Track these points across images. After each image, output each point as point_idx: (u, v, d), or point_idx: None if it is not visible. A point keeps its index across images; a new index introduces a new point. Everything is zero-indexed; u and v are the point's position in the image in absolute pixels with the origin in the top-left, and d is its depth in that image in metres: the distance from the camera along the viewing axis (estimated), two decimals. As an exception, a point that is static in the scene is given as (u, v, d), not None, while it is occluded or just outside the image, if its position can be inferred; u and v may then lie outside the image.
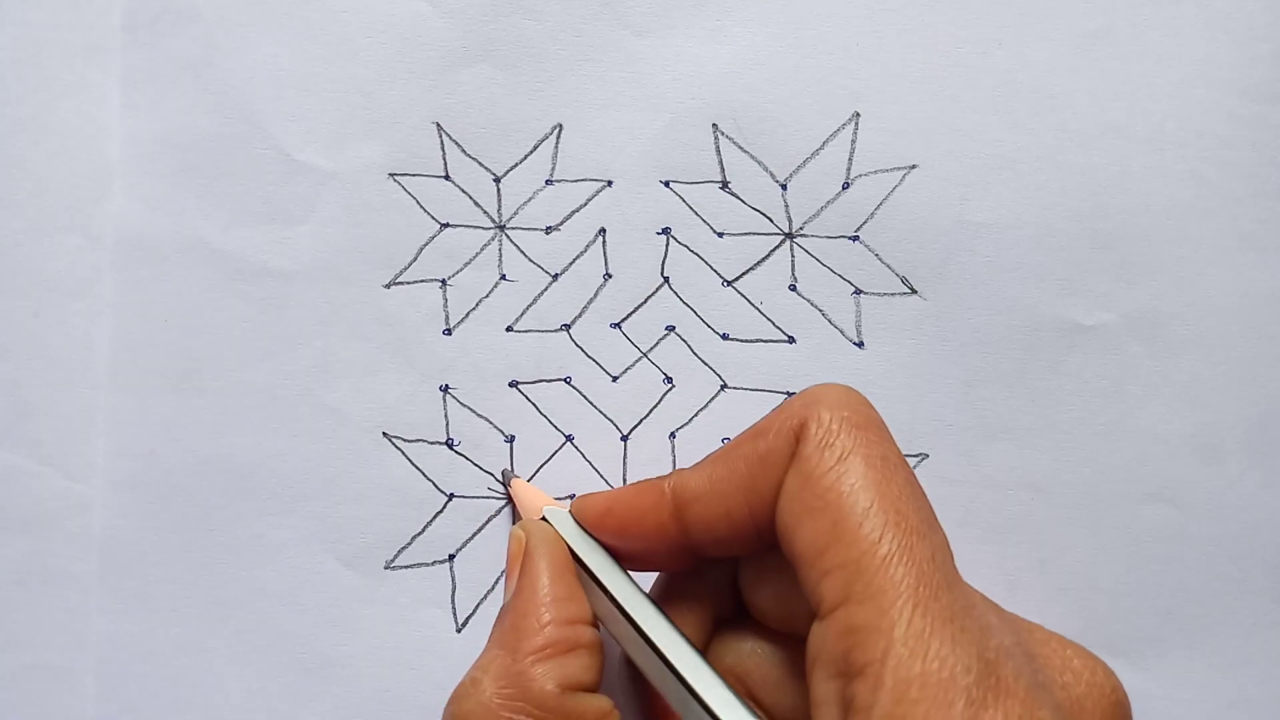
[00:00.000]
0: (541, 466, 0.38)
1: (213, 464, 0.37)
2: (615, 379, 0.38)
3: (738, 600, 0.33)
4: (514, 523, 0.37)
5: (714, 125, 0.37)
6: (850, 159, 0.37)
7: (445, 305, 0.38)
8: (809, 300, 0.38)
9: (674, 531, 0.31)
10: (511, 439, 0.38)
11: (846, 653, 0.25)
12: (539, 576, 0.32)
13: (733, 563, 0.32)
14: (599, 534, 0.33)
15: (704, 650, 0.32)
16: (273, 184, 0.37)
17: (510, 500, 0.37)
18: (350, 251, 0.38)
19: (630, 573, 0.32)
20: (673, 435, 0.38)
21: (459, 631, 0.37)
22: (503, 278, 0.38)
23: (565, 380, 0.38)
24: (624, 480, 0.38)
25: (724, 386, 0.38)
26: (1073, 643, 0.28)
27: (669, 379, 0.38)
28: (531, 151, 0.38)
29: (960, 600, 0.26)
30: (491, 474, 0.38)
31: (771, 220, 0.38)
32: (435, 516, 0.37)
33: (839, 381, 0.37)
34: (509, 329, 0.38)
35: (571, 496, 0.38)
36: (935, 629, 0.25)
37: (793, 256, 0.38)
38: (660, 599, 0.33)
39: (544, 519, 0.34)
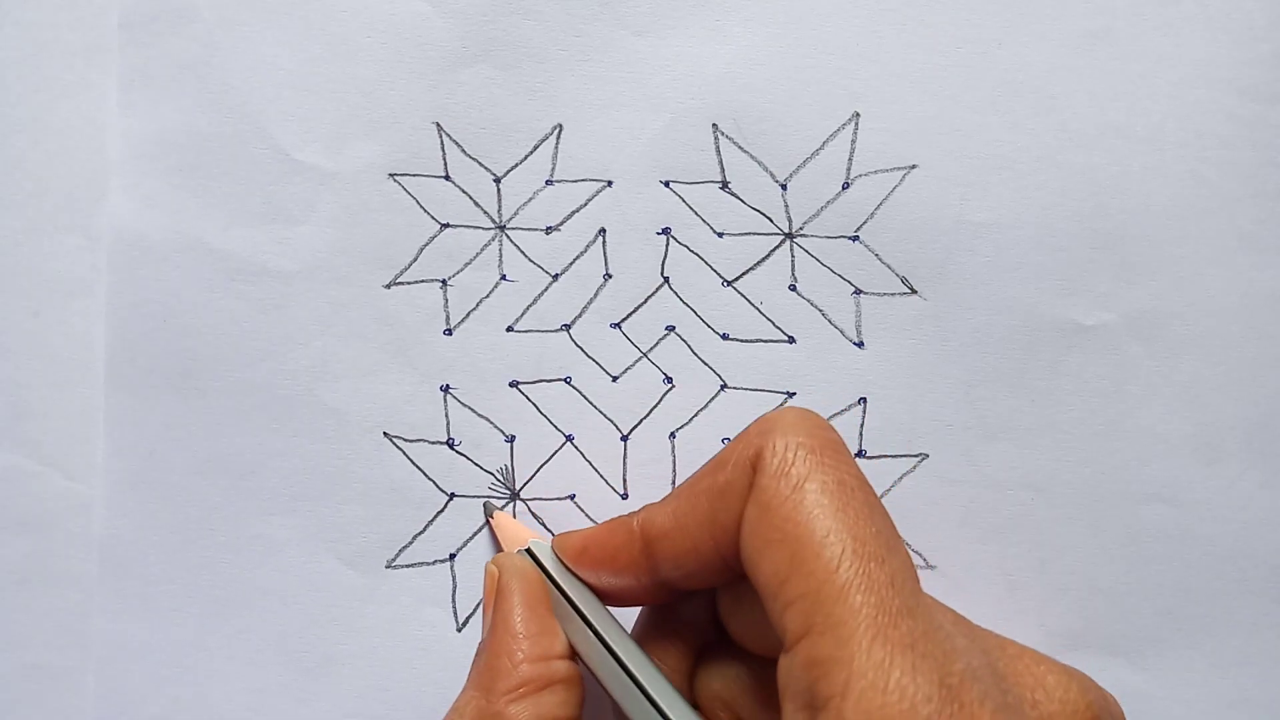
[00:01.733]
0: (541, 466, 0.38)
1: (213, 464, 0.37)
2: (615, 379, 0.38)
3: (720, 627, 0.33)
4: (495, 553, 0.36)
5: (714, 125, 0.37)
6: (850, 159, 0.37)
7: (445, 305, 0.38)
8: (809, 300, 0.38)
9: (645, 568, 0.31)
10: (511, 439, 0.38)
11: (811, 685, 0.25)
12: (511, 612, 0.32)
13: (711, 592, 0.32)
14: (578, 570, 0.33)
15: (691, 677, 0.32)
16: (272, 184, 0.37)
17: (492, 532, 0.37)
18: (350, 251, 0.38)
19: (610, 608, 0.32)
20: (673, 435, 0.38)
21: (459, 631, 0.37)
22: (503, 278, 0.38)
23: (565, 380, 0.38)
24: (624, 481, 0.38)
25: (724, 386, 0.38)
26: (1047, 658, 0.28)
27: (669, 379, 0.38)
28: (531, 151, 0.38)
29: (922, 625, 0.25)
30: (492, 474, 0.38)
31: (771, 220, 0.38)
32: (436, 516, 0.38)
33: (835, 380, 0.37)
34: (509, 329, 0.38)
35: (571, 497, 0.38)
36: (895, 658, 0.24)
37: (793, 256, 0.38)
38: (644, 631, 0.33)
39: (528, 551, 0.34)
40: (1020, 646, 0.28)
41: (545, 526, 0.37)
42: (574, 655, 0.32)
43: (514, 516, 0.37)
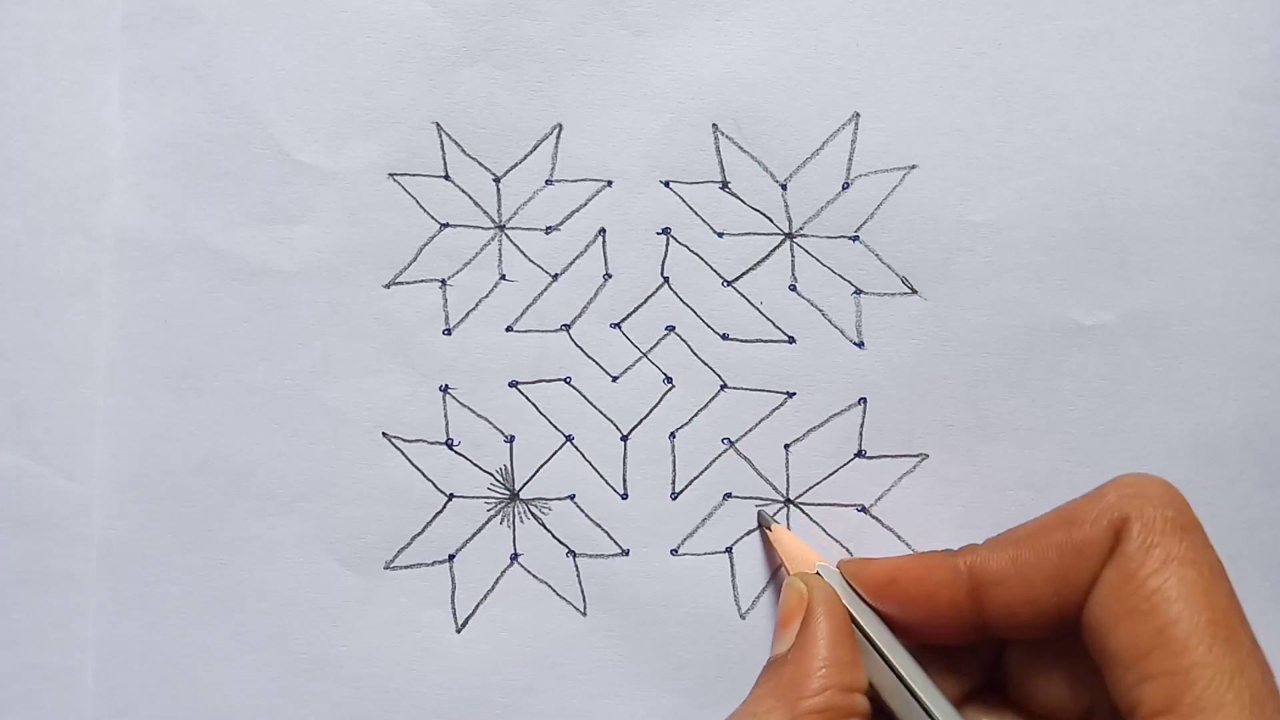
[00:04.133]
0: (541, 466, 0.38)
1: (212, 464, 0.37)
2: (615, 379, 0.38)
3: (991, 675, 0.33)
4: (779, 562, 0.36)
5: (714, 125, 0.37)
6: (850, 159, 0.37)
7: (445, 305, 0.38)
8: (809, 300, 0.37)
9: (967, 610, 0.31)
10: (511, 439, 0.38)
11: None
12: (820, 637, 0.31)
13: (996, 640, 0.32)
14: (877, 600, 0.33)
15: None
16: (272, 184, 0.37)
17: (765, 541, 0.37)
18: (350, 251, 0.38)
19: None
20: (673, 435, 0.38)
21: (459, 632, 0.37)
22: (503, 278, 0.38)
23: (565, 380, 0.38)
24: (624, 481, 0.37)
25: (724, 386, 0.38)
26: None
27: (669, 379, 0.38)
28: (531, 151, 0.38)
29: None
30: (491, 474, 0.38)
31: (771, 220, 0.38)
32: (435, 517, 0.37)
33: (835, 380, 0.37)
34: (509, 329, 0.38)
35: (571, 497, 0.38)
36: None
37: (793, 256, 0.38)
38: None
39: (823, 573, 0.34)
40: None
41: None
42: (870, 690, 0.31)
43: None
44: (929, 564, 0.32)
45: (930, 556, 0.32)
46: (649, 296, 0.38)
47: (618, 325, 0.38)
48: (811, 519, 0.37)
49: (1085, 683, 0.31)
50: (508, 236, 0.38)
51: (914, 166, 0.37)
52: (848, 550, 0.37)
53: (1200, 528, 0.29)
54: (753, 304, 0.38)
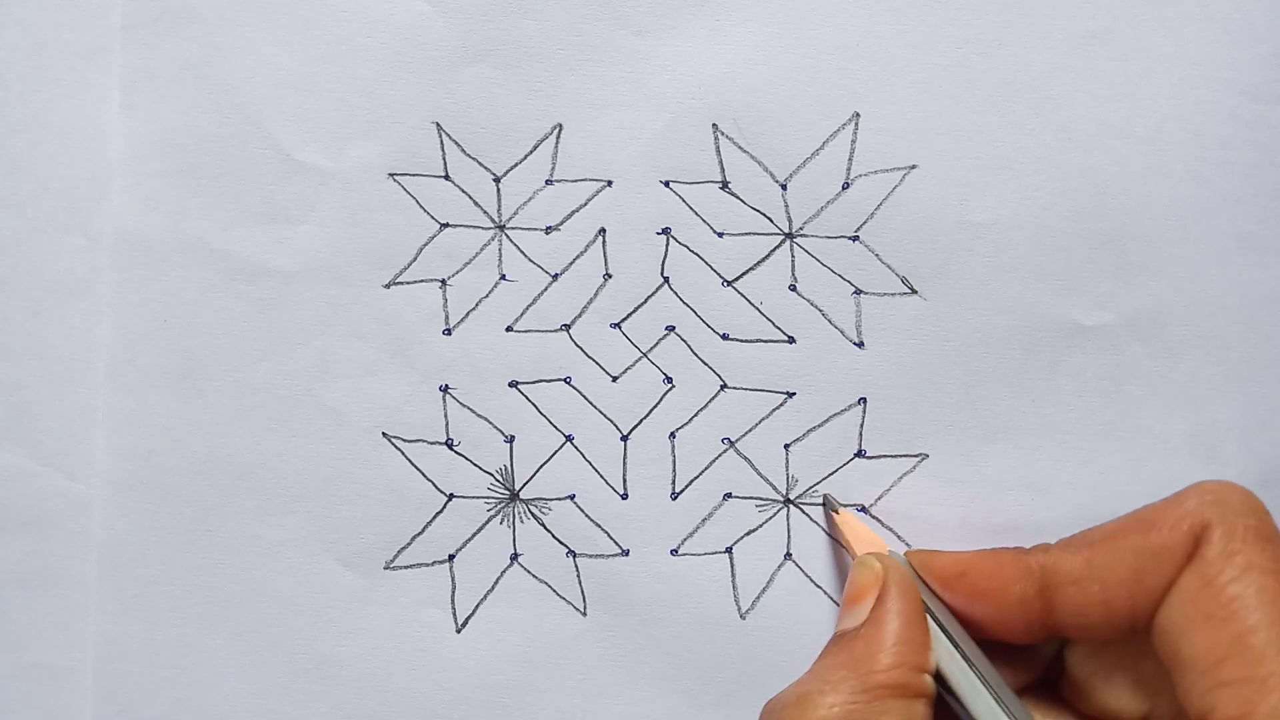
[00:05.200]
0: (541, 466, 0.38)
1: (212, 464, 0.37)
2: (615, 379, 0.38)
3: (1044, 673, 0.33)
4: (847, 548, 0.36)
5: (714, 125, 0.37)
6: (850, 159, 0.37)
7: (445, 305, 0.38)
8: (809, 300, 0.37)
9: (1037, 609, 0.31)
10: (511, 439, 0.38)
11: None
12: (895, 614, 0.32)
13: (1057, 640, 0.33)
14: (946, 592, 0.33)
15: None
16: (272, 184, 0.37)
17: (832, 526, 0.37)
18: (350, 251, 0.38)
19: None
20: (673, 435, 0.38)
21: (459, 632, 0.37)
22: (503, 278, 0.38)
23: (565, 380, 0.38)
24: (624, 481, 0.37)
25: (724, 386, 0.38)
26: None
27: (669, 379, 0.38)
28: (531, 151, 0.38)
29: None
30: (491, 474, 0.38)
31: (771, 220, 0.38)
32: (435, 517, 0.37)
33: (835, 380, 0.37)
34: (509, 329, 0.38)
35: (571, 497, 0.38)
36: None
37: (793, 256, 0.38)
38: None
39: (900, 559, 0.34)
40: None
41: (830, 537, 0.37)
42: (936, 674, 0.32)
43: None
44: (1000, 560, 0.32)
45: (1002, 553, 0.32)
46: (649, 296, 0.38)
47: (618, 325, 0.38)
48: (811, 519, 0.37)
49: (1145, 687, 0.31)
50: (508, 236, 0.38)
51: (914, 166, 0.37)
52: (848, 550, 0.37)
53: (1278, 538, 0.29)
54: (753, 304, 0.38)
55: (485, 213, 0.38)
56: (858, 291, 0.37)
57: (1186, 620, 0.28)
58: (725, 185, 0.38)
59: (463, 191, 0.38)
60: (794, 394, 0.37)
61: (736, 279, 0.38)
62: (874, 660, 0.31)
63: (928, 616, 0.32)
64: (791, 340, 0.38)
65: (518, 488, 0.38)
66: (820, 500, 0.37)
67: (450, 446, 0.38)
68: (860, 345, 0.37)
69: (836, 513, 0.36)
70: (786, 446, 0.37)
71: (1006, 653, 0.33)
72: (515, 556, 0.37)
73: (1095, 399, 0.37)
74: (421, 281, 0.38)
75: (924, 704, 0.31)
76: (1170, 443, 0.37)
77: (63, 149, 0.38)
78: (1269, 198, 0.37)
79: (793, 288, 0.38)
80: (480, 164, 0.38)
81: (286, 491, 0.37)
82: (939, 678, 0.31)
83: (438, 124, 0.38)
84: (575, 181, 0.38)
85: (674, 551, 0.37)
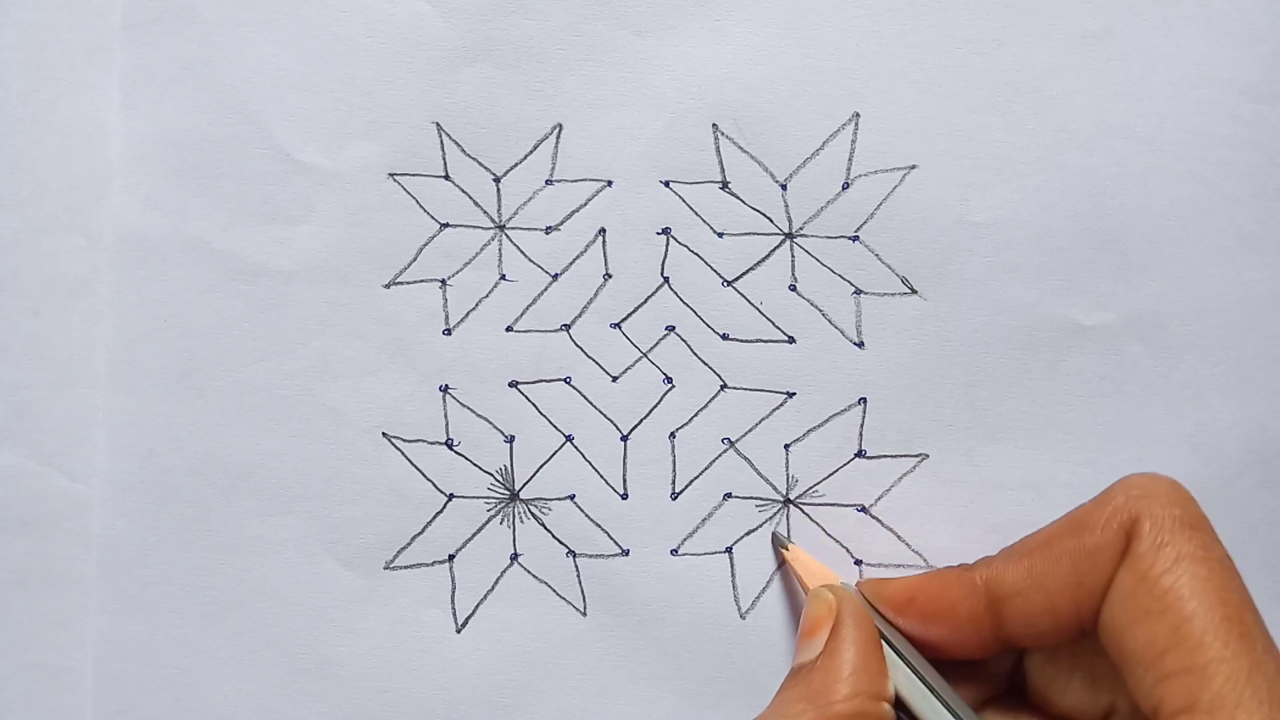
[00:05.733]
0: (541, 466, 0.38)
1: (212, 464, 0.37)
2: (615, 379, 0.38)
3: (1009, 683, 0.33)
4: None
5: (714, 125, 0.37)
6: (850, 159, 0.37)
7: (445, 305, 0.38)
8: (809, 300, 0.38)
9: (987, 623, 0.31)
10: (511, 439, 0.38)
11: None
12: (850, 644, 0.32)
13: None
14: (898, 618, 0.33)
15: None
16: (272, 184, 0.37)
17: (781, 563, 0.37)
18: (350, 251, 0.38)
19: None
20: (673, 435, 0.38)
21: (458, 632, 0.37)
22: (503, 278, 0.38)
23: (565, 380, 0.38)
24: (624, 481, 0.37)
25: (724, 386, 0.38)
26: None
27: (669, 379, 0.38)
28: (531, 151, 0.38)
29: None
30: (491, 474, 0.38)
31: (771, 220, 0.38)
32: (435, 517, 0.37)
33: (835, 380, 0.37)
34: (509, 329, 0.38)
35: (571, 497, 0.38)
36: None
37: (793, 256, 0.38)
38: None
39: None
40: None
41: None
42: (896, 701, 0.32)
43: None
44: (946, 580, 0.32)
45: (946, 573, 0.33)
46: (649, 296, 0.38)
47: (618, 325, 0.38)
48: (811, 519, 0.37)
49: (1104, 684, 0.31)
50: (508, 236, 0.38)
51: (914, 166, 0.37)
52: (848, 550, 0.37)
53: (1209, 524, 0.29)
54: (753, 304, 0.38)
55: (485, 213, 0.38)
56: (858, 291, 0.37)
57: (1127, 617, 0.28)
58: (725, 185, 0.38)
59: (463, 191, 0.38)
60: (794, 394, 0.37)
61: (736, 279, 0.38)
62: (832, 691, 0.31)
63: (883, 644, 0.32)
64: (791, 340, 0.38)
65: (518, 488, 0.38)
66: (820, 501, 0.37)
67: (450, 446, 0.38)
68: (860, 345, 0.37)
69: (786, 549, 0.36)
70: (786, 446, 0.37)
71: (967, 670, 0.33)
72: (515, 556, 0.37)
73: (1095, 399, 0.37)
74: (421, 281, 0.38)
75: None
76: (1170, 443, 0.37)
77: (63, 149, 0.38)
78: (1269, 198, 0.37)
79: (793, 288, 0.38)
80: (480, 164, 0.38)
81: (286, 491, 0.37)
82: (899, 704, 0.32)
83: (438, 124, 0.38)
84: (575, 181, 0.38)
85: (674, 551, 0.37)
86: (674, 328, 0.38)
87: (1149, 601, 0.28)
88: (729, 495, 0.37)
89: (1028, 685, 0.33)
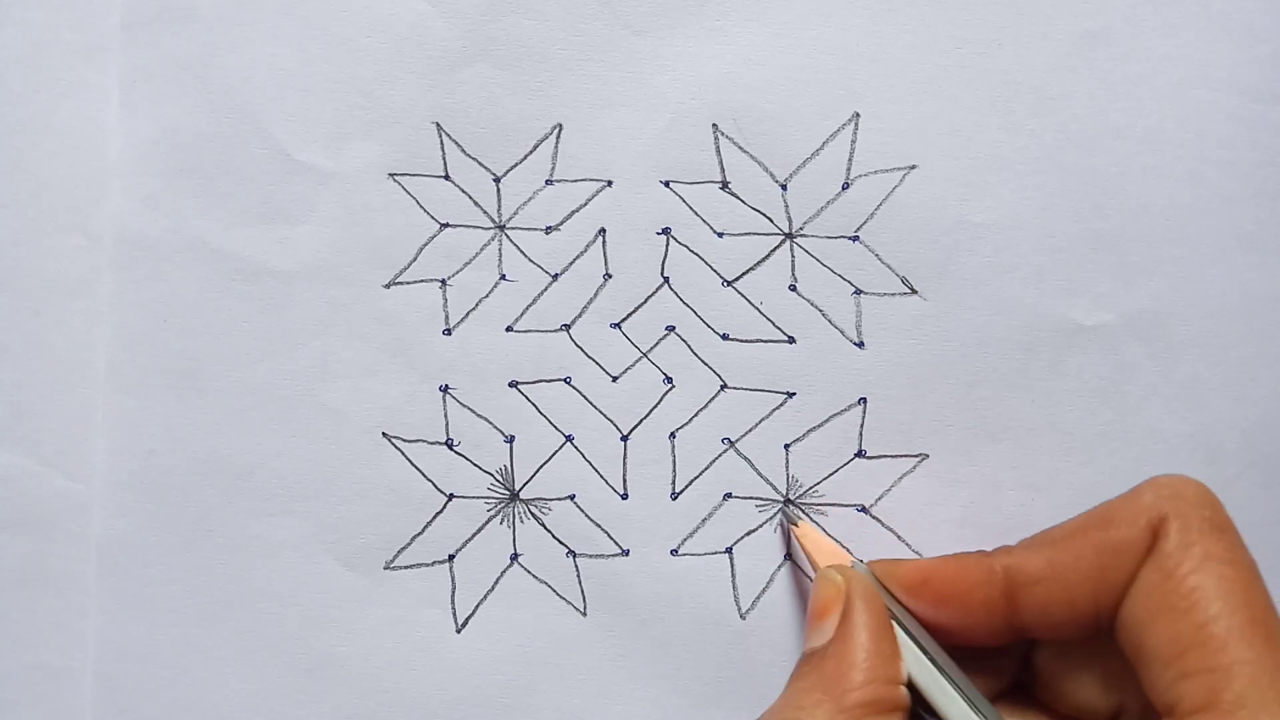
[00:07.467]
0: (541, 467, 0.38)
1: (212, 464, 0.37)
2: (615, 379, 0.38)
3: (1017, 676, 0.33)
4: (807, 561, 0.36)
5: (714, 125, 0.37)
6: (850, 159, 0.37)
7: (445, 305, 0.38)
8: (809, 300, 0.38)
9: (1002, 610, 0.31)
10: (511, 439, 0.38)
11: None
12: (862, 628, 0.31)
13: (1024, 640, 0.33)
14: (910, 600, 0.33)
15: None
16: (272, 184, 0.37)
17: (788, 540, 0.37)
18: (350, 251, 0.38)
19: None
20: (673, 435, 0.38)
21: (458, 632, 0.37)
22: (503, 278, 0.38)
23: (565, 380, 0.38)
24: (624, 481, 0.37)
25: (724, 386, 0.38)
26: None
27: (669, 379, 0.38)
28: (531, 151, 0.38)
29: None
30: (491, 474, 0.38)
31: (771, 220, 0.38)
32: (435, 517, 0.37)
33: (835, 380, 0.37)
34: (509, 329, 0.38)
35: (571, 498, 0.38)
36: None
37: (793, 256, 0.38)
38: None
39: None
40: None
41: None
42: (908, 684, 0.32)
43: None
44: (963, 564, 0.32)
45: (964, 557, 0.32)
46: (649, 296, 0.38)
47: (618, 325, 0.38)
48: (811, 519, 0.37)
49: (1114, 682, 0.31)
50: (508, 236, 0.38)
51: (914, 166, 0.37)
52: (848, 551, 0.37)
53: (1235, 528, 0.29)
54: (753, 304, 0.38)
55: (485, 213, 0.38)
56: (858, 291, 0.37)
57: (1149, 614, 0.28)
58: (725, 185, 0.38)
59: (463, 191, 0.38)
60: (794, 394, 0.37)
61: (736, 279, 0.38)
62: (847, 678, 0.30)
63: (895, 626, 0.32)
64: (791, 340, 0.38)
65: (518, 488, 0.38)
66: (820, 501, 0.37)
67: (450, 446, 0.38)
68: (860, 345, 0.37)
69: (795, 525, 0.36)
70: (786, 446, 0.37)
71: (975, 658, 0.33)
72: (515, 556, 0.37)
73: (1095, 399, 0.37)
74: (421, 281, 0.38)
75: (900, 716, 0.31)
76: (1170, 443, 0.37)
77: (63, 149, 0.38)
78: (1269, 198, 0.37)
79: (793, 288, 0.38)
80: (480, 164, 0.38)
81: (286, 491, 0.37)
82: (910, 687, 0.31)
83: (438, 124, 0.38)
84: (575, 181, 0.38)
85: (674, 551, 0.37)
86: (674, 328, 0.38)
87: (1174, 599, 0.28)
88: (729, 495, 0.37)
89: (1036, 680, 0.33)
